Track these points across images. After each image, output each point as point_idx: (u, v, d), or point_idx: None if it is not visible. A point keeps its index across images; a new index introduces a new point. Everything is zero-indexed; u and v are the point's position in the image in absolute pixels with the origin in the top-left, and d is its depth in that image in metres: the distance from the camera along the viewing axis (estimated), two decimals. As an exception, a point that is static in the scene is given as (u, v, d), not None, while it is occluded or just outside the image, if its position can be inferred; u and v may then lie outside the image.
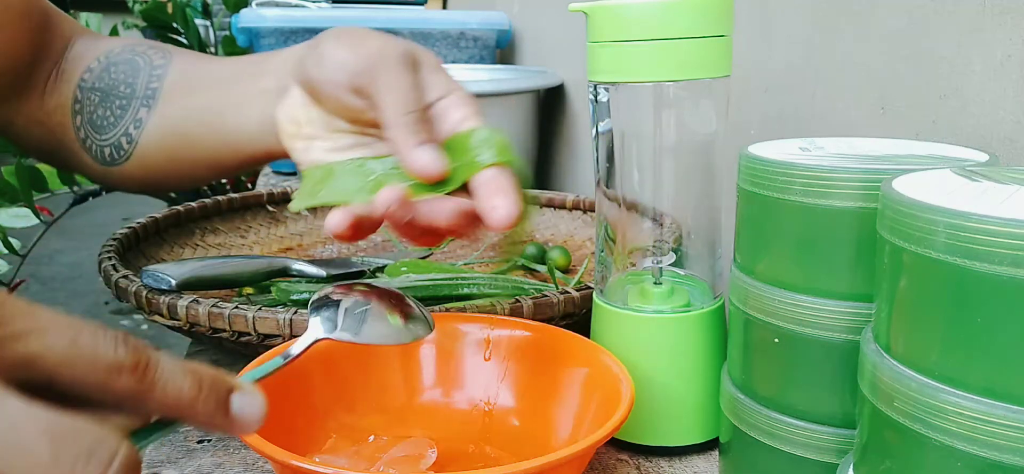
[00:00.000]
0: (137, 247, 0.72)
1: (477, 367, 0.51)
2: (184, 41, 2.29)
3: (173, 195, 1.98)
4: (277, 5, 1.37)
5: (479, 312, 0.54)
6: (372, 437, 0.48)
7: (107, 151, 0.57)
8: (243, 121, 0.52)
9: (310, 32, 1.26)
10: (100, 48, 0.59)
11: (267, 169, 1.43)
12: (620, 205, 0.52)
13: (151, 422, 0.27)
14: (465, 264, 0.82)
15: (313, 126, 0.47)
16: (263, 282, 0.66)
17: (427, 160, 0.40)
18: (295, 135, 0.49)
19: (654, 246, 0.53)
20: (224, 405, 0.27)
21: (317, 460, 0.45)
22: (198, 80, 0.56)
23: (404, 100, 0.41)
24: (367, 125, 0.46)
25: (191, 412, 0.26)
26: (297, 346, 0.38)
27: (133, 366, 0.25)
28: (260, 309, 0.52)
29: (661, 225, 0.52)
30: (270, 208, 0.90)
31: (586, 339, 0.49)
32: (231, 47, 2.02)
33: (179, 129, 0.55)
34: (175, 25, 2.25)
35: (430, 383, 0.51)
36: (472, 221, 0.42)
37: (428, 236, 0.43)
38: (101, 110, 0.57)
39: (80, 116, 0.57)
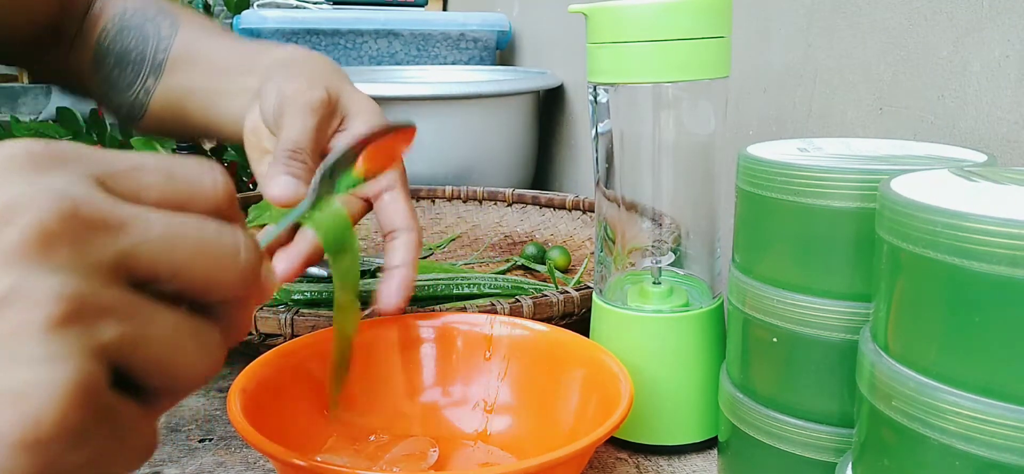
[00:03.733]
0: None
1: (476, 366, 0.51)
2: (184, 42, 2.29)
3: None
4: (278, 6, 1.37)
5: (479, 311, 0.54)
6: (373, 437, 0.48)
7: (124, 109, 0.61)
8: (230, 110, 0.56)
9: (311, 33, 1.27)
10: (116, 7, 0.62)
11: (267, 170, 1.43)
12: (619, 205, 0.52)
13: None
14: (465, 264, 0.82)
15: (270, 142, 0.51)
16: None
17: (278, 189, 0.43)
18: (255, 145, 0.53)
19: (653, 246, 0.53)
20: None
21: (318, 459, 0.45)
22: (198, 59, 0.59)
23: (291, 139, 0.46)
24: None
25: (259, 261, 0.26)
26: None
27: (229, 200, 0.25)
28: (261, 308, 0.52)
29: (660, 225, 0.52)
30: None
31: (585, 338, 0.49)
32: (231, 48, 2.02)
33: (178, 103, 0.59)
34: (175, 26, 2.25)
35: (430, 382, 0.51)
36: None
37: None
38: (116, 72, 0.60)
39: (99, 75, 0.61)
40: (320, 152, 0.47)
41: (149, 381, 0.23)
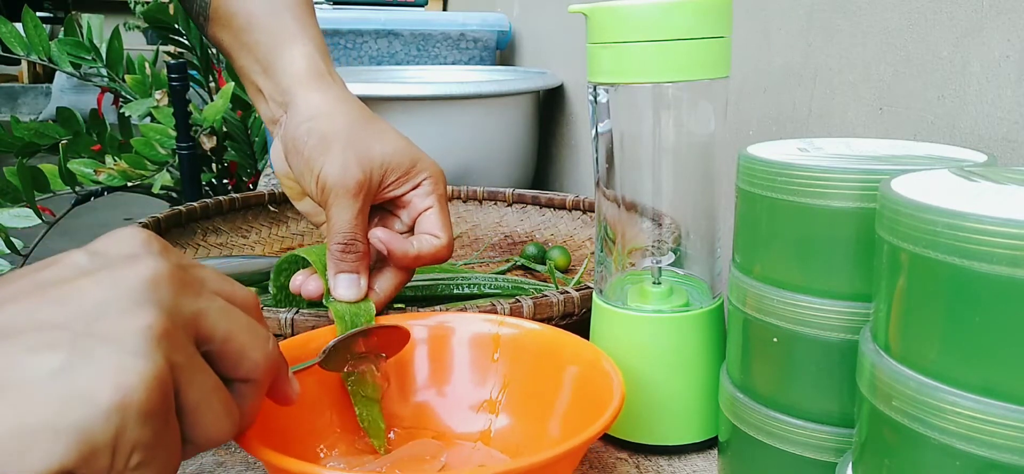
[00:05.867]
0: (138, 247, 0.72)
1: (473, 365, 0.51)
2: (186, 42, 2.29)
3: (174, 195, 1.98)
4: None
5: (480, 311, 0.54)
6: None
7: (197, 23, 0.60)
8: (253, 99, 0.58)
9: (310, 33, 1.26)
10: None
11: (268, 169, 1.43)
12: (619, 205, 0.52)
13: None
14: (465, 264, 0.82)
15: (297, 181, 0.55)
16: (265, 282, 0.66)
17: (342, 292, 0.51)
18: (285, 174, 0.56)
19: (653, 246, 0.53)
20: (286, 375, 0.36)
21: (325, 464, 0.45)
22: (231, 20, 0.57)
23: (340, 232, 0.50)
24: None
25: (281, 360, 0.35)
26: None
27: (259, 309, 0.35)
28: (262, 308, 0.52)
29: (660, 225, 0.52)
30: (272, 208, 0.90)
31: (578, 337, 0.49)
32: (232, 48, 2.02)
33: (228, 50, 0.59)
34: (177, 26, 2.25)
35: (425, 382, 0.51)
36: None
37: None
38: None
39: None
40: (367, 227, 0.52)
41: (184, 419, 0.29)
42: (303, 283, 0.52)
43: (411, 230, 0.55)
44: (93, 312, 0.27)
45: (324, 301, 0.51)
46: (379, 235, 0.52)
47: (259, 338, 0.32)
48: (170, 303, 0.28)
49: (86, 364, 0.26)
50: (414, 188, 0.53)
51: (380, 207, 0.55)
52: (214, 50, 2.43)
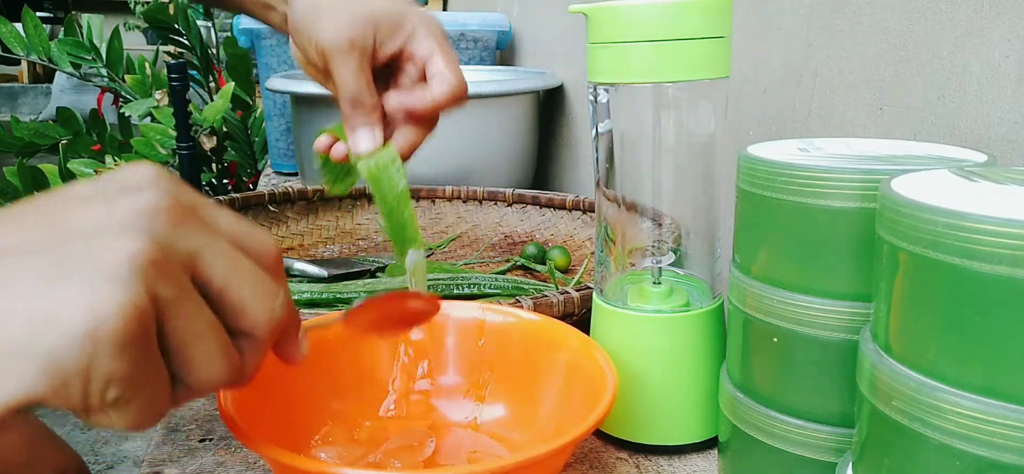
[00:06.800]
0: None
1: (468, 353, 0.51)
2: (186, 42, 2.29)
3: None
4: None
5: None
6: (368, 422, 0.49)
7: None
8: (260, 13, 0.60)
9: (310, 33, 1.26)
10: None
11: (268, 169, 1.43)
12: (620, 205, 0.52)
13: None
14: (465, 264, 0.82)
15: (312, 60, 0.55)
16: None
17: (362, 146, 0.53)
18: (304, 63, 0.56)
19: (653, 246, 0.53)
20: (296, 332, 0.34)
21: (318, 457, 0.45)
22: None
23: (347, 91, 0.52)
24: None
25: (290, 320, 0.32)
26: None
27: (279, 258, 0.32)
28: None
29: (660, 225, 0.52)
30: (272, 208, 0.91)
31: (576, 329, 0.49)
32: (232, 47, 2.03)
33: None
34: (177, 26, 2.25)
35: (421, 369, 0.51)
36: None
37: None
38: None
39: None
40: (371, 80, 0.53)
41: (174, 357, 0.28)
42: (331, 145, 0.54)
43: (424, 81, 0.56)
44: (80, 236, 0.26)
45: (351, 161, 0.53)
46: (392, 98, 0.53)
47: (264, 294, 0.30)
48: (164, 235, 0.27)
49: (62, 287, 0.25)
50: (409, 38, 0.54)
51: (388, 71, 0.56)
52: (214, 51, 2.44)
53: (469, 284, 0.65)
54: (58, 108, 2.08)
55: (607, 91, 0.49)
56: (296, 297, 0.62)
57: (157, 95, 2.05)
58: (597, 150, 0.51)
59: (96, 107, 2.37)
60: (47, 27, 2.12)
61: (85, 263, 0.25)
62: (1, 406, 0.24)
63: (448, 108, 0.54)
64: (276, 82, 1.08)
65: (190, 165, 1.79)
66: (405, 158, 0.53)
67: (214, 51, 2.40)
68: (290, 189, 0.92)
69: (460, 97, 0.54)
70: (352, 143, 0.53)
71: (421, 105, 0.53)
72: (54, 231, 0.26)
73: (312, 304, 0.60)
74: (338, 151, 0.54)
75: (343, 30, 0.51)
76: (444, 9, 2.04)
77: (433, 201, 0.98)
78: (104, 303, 0.25)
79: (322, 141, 0.55)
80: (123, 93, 2.14)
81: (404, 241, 0.50)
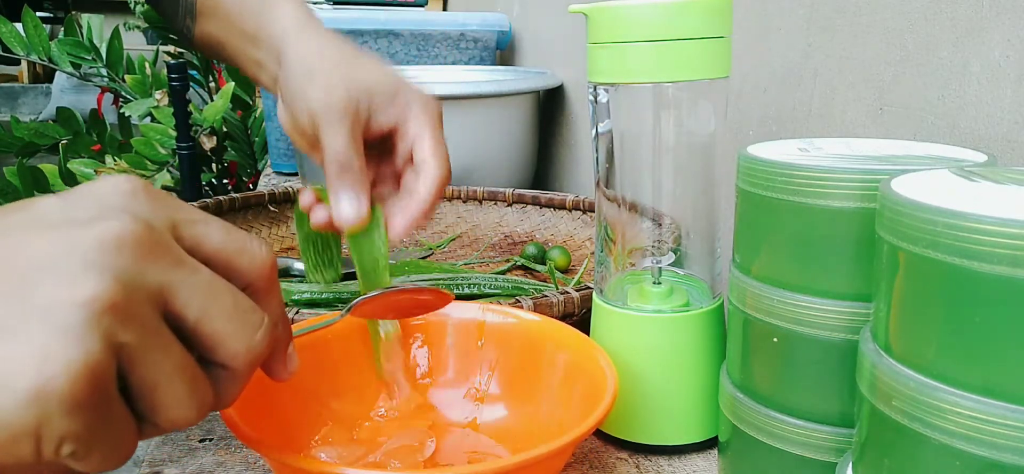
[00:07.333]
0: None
1: (468, 354, 0.51)
2: (185, 42, 2.29)
3: (174, 195, 1.98)
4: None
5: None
6: (368, 422, 0.49)
7: (181, 37, 0.61)
8: (249, 74, 0.58)
9: (310, 33, 1.26)
10: None
11: (268, 169, 1.43)
12: (620, 205, 0.52)
13: None
14: (465, 264, 0.82)
15: (305, 131, 0.52)
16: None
17: (345, 215, 0.49)
18: (292, 129, 0.54)
19: (653, 246, 0.53)
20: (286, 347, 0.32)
21: (318, 457, 0.45)
22: (218, 10, 0.59)
23: (335, 154, 0.49)
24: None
25: (277, 340, 0.31)
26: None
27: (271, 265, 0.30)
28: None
29: (660, 225, 0.52)
30: (272, 208, 0.91)
31: (576, 330, 0.49)
32: (231, 48, 2.03)
33: (218, 46, 0.60)
34: (176, 26, 2.24)
35: (421, 369, 0.51)
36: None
37: None
38: (164, 5, 0.61)
39: (158, 7, 0.62)
40: (361, 149, 0.50)
41: (140, 401, 0.26)
42: (311, 207, 0.52)
43: (412, 164, 0.54)
44: (34, 276, 0.24)
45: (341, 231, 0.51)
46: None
47: (243, 326, 0.28)
48: (130, 271, 0.25)
49: (9, 342, 0.23)
50: (403, 114, 0.52)
51: (378, 149, 0.54)
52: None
53: (469, 284, 0.65)
54: (58, 108, 2.07)
55: (607, 91, 0.49)
56: (296, 297, 0.61)
57: (157, 95, 2.05)
58: (597, 150, 0.51)
59: (96, 107, 2.37)
60: (47, 27, 2.12)
61: (37, 313, 0.23)
62: None
63: (435, 196, 0.51)
64: (276, 82, 1.08)
65: (190, 165, 1.79)
66: (396, 240, 0.51)
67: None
68: (290, 189, 0.92)
69: (444, 183, 0.51)
70: (335, 208, 0.50)
71: (414, 212, 0.50)
72: (5, 270, 0.24)
73: (312, 304, 0.60)
74: (318, 217, 0.52)
75: (338, 94, 0.50)
76: (444, 9, 2.04)
77: (433, 201, 0.98)
78: (54, 360, 0.23)
79: (306, 198, 0.53)
80: (123, 93, 2.14)
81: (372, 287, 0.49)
